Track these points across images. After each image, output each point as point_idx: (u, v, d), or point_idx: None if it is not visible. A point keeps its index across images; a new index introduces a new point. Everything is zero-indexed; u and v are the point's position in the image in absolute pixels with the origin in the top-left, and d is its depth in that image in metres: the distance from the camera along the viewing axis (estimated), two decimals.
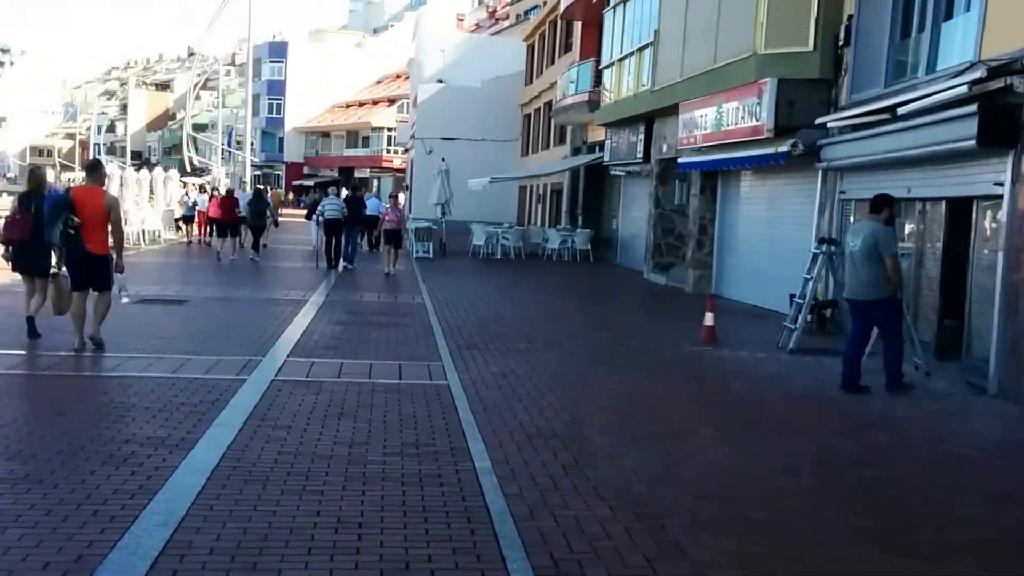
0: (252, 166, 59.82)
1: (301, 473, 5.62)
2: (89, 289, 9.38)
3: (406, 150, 60.20)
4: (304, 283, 17.73)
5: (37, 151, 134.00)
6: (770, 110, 14.00)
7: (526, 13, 53.83)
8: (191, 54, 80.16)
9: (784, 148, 13.70)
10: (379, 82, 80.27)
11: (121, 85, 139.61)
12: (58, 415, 6.81)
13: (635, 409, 8.05)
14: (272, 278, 19.37)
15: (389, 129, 69.01)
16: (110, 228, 9.27)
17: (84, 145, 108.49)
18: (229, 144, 70.07)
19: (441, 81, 46.55)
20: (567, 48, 34.72)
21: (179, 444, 6.11)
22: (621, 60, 22.91)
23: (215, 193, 26.44)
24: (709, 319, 11.83)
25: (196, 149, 78.69)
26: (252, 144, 65.15)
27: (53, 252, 9.75)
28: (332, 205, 21.11)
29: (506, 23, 59.18)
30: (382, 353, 10.21)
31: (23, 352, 9.17)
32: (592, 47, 29.10)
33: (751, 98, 14.67)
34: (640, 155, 21.96)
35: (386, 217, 20.73)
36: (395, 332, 11.88)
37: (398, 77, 76.52)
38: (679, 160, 18.61)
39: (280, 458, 5.92)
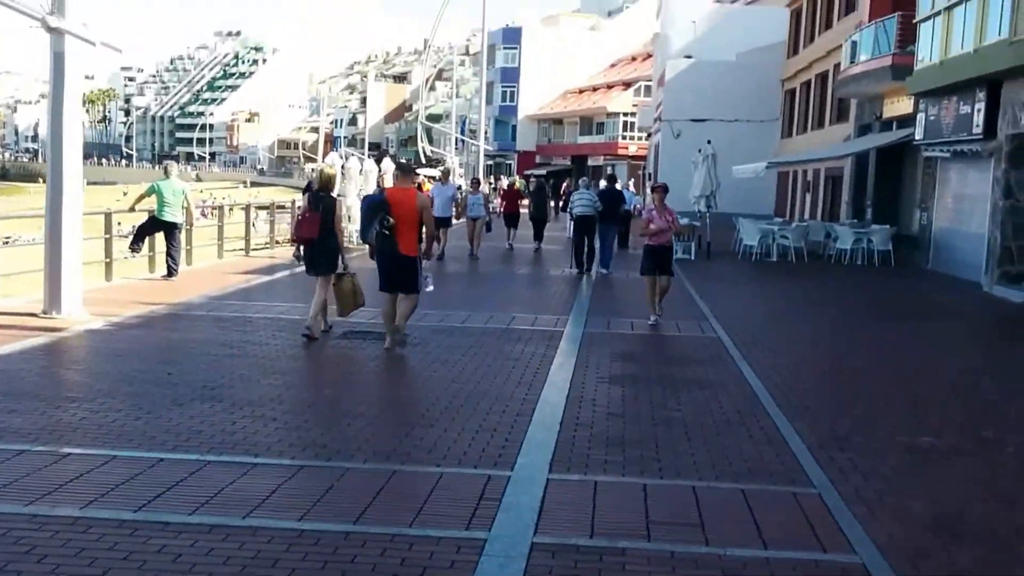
0: (485, 155, 57.50)
1: None
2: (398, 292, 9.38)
3: (648, 135, 55.76)
4: (554, 300, 13.92)
5: (284, 144, 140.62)
6: None
7: None
8: (427, 46, 79.18)
9: None
10: (613, 66, 76.35)
11: (362, 79, 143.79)
12: None
13: None
14: (515, 290, 15.63)
15: (625, 114, 64.78)
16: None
17: (328, 138, 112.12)
18: (463, 133, 68.45)
19: (689, 56, 41.74)
20: (848, 8, 29.47)
21: None
22: (951, 7, 18.17)
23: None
24: None
25: (430, 140, 78.02)
26: (485, 133, 62.97)
27: (340, 254, 9.90)
28: (582, 199, 17.23)
29: None
30: (701, 457, 6.09)
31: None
32: (885, 2, 24.18)
33: None
34: (979, 129, 17.25)
35: (651, 224, 11.73)
36: (703, 400, 7.72)
37: (633, 60, 72.55)
38: None
39: None
